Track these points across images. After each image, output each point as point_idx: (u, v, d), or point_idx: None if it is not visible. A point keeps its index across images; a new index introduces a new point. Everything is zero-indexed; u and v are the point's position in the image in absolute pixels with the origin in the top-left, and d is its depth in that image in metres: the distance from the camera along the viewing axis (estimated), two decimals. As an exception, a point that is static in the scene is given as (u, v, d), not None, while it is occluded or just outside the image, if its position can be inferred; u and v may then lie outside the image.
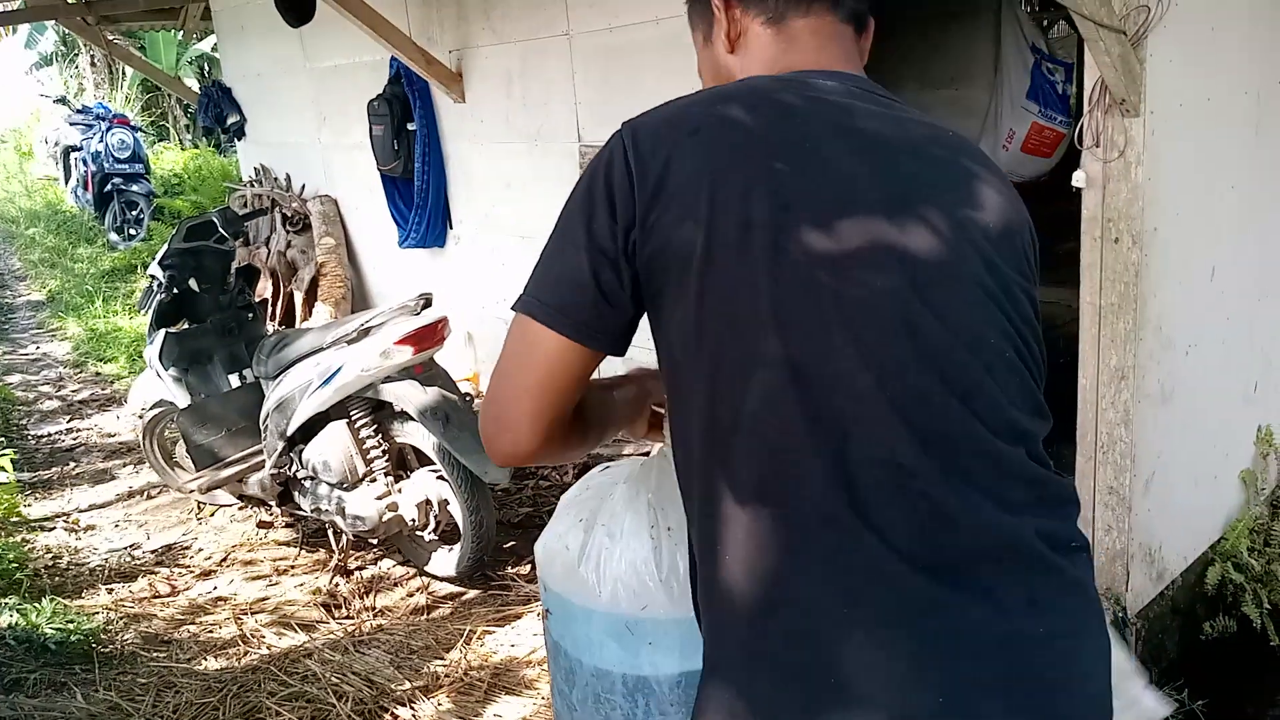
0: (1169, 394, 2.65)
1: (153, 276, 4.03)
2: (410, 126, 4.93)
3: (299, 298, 5.96)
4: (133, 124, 10.93)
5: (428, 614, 3.30)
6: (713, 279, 0.97)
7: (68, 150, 11.18)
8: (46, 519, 4.20)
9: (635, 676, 1.22)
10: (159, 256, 3.97)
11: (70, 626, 3.16)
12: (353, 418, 3.41)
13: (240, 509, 4.12)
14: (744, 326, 0.96)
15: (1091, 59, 2.35)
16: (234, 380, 3.94)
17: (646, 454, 1.39)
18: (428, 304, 3.40)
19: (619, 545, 1.22)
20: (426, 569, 3.52)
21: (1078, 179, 2.51)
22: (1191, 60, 2.49)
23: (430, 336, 3.25)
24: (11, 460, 4.14)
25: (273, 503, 3.76)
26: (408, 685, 2.78)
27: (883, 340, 0.96)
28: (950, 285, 0.99)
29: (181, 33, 12.10)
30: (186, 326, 4.03)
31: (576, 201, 1.05)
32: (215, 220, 3.91)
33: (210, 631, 3.20)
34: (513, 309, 1.07)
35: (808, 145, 1.01)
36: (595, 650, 1.24)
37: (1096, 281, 2.53)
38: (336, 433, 3.41)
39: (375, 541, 3.59)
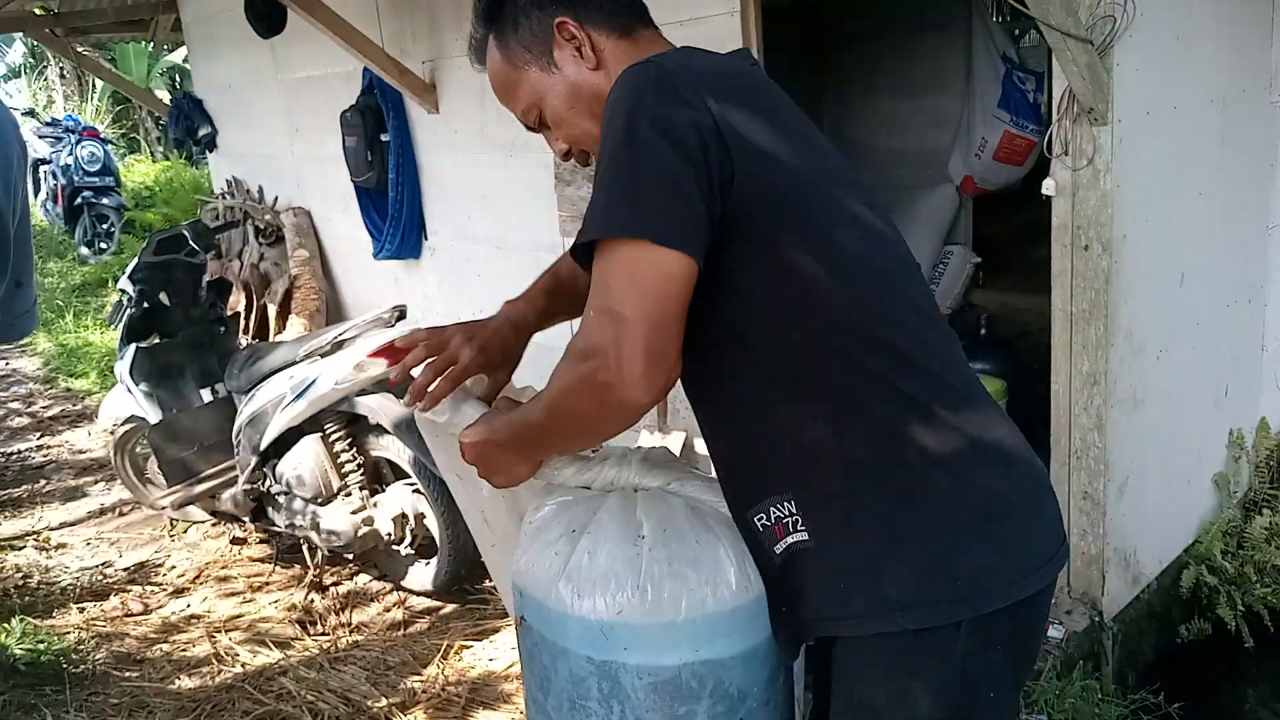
0: (1141, 399, 2.67)
1: (123, 291, 3.98)
2: (384, 137, 4.91)
3: (272, 311, 5.91)
4: (103, 136, 10.83)
5: (404, 629, 3.27)
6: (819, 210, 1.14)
7: (37, 163, 11.06)
8: (16, 538, 4.14)
9: (611, 683, 1.22)
10: (129, 270, 3.92)
11: (41, 647, 3.11)
12: (327, 432, 3.38)
13: (213, 525, 4.07)
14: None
15: (1059, 68, 2.37)
16: (206, 395, 3.89)
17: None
18: (402, 316, 3.38)
19: (602, 551, 1.23)
20: (403, 583, 3.50)
21: (1047, 187, 2.53)
22: (1158, 69, 2.51)
23: (405, 349, 3.23)
24: (-21, 478, 4.08)
25: (246, 518, 3.72)
26: (384, 702, 2.75)
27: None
28: None
29: (151, 44, 12.02)
30: (157, 341, 3.98)
31: (647, 127, 1.05)
32: (186, 233, 3.87)
33: (184, 650, 3.16)
34: (606, 237, 1.04)
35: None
36: (571, 656, 1.25)
37: (1067, 288, 2.55)
38: (310, 447, 3.38)
39: (351, 556, 3.56)
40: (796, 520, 1.17)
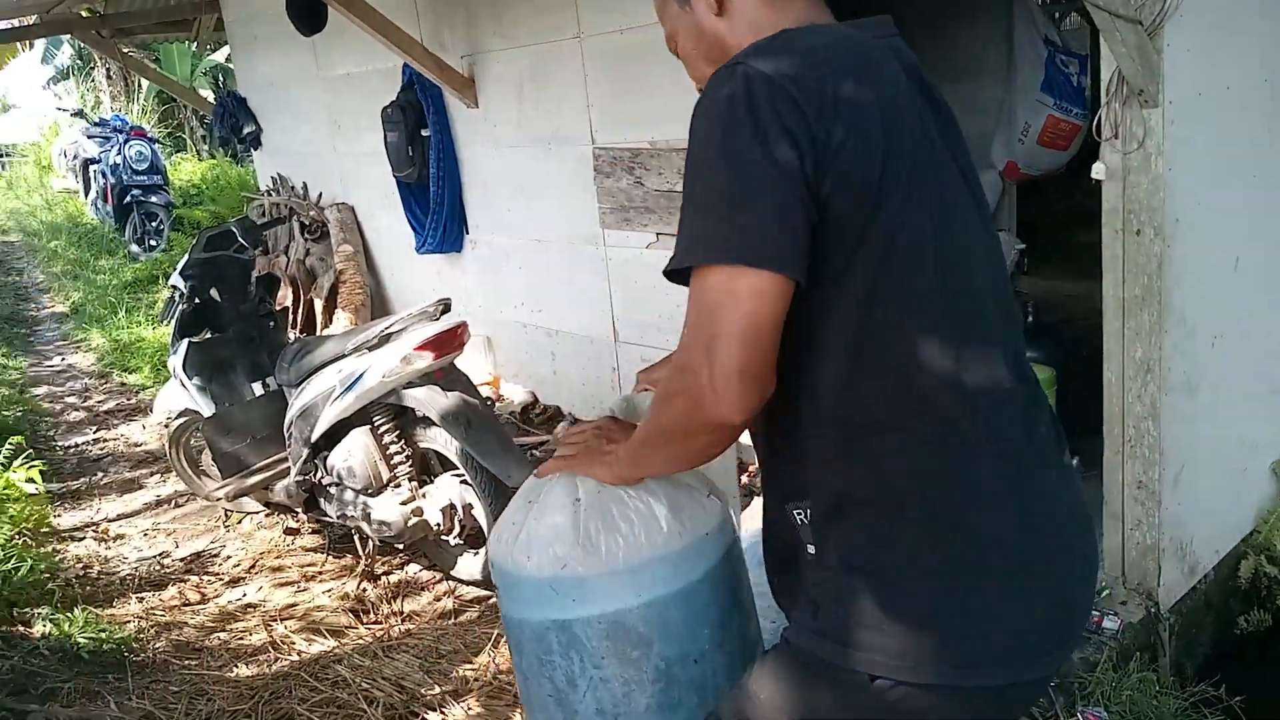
0: (1195, 386, 2.63)
1: (174, 287, 4.06)
2: (424, 133, 4.95)
3: (319, 305, 5.99)
4: (150, 135, 11.01)
5: (455, 618, 3.31)
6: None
7: (86, 163, 11.27)
8: (76, 529, 4.24)
9: (567, 634, 1.32)
10: (180, 267, 4.00)
11: (103, 635, 3.19)
12: (375, 424, 3.42)
13: (267, 516, 4.15)
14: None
15: (1108, 50, 2.34)
16: (257, 388, 3.96)
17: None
18: (446, 309, 3.41)
19: (546, 516, 1.34)
20: (452, 573, 3.54)
21: (1097, 171, 2.50)
22: (1209, 49, 2.47)
23: (450, 341, 3.27)
24: (40, 471, 4.18)
25: (299, 509, 3.79)
26: (437, 690, 2.79)
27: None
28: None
29: (195, 44, 12.20)
30: (209, 336, 4.06)
31: (741, 138, 1.02)
32: (234, 230, 3.94)
33: (241, 639, 3.22)
34: (704, 264, 1.02)
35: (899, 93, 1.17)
36: (530, 614, 1.36)
37: (1119, 274, 2.51)
38: (360, 439, 3.43)
39: (401, 546, 3.61)
40: (807, 529, 1.18)
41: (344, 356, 3.44)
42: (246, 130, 6.90)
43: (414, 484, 3.43)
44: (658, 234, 3.78)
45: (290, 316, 6.04)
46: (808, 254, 1.03)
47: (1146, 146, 2.38)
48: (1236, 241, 2.71)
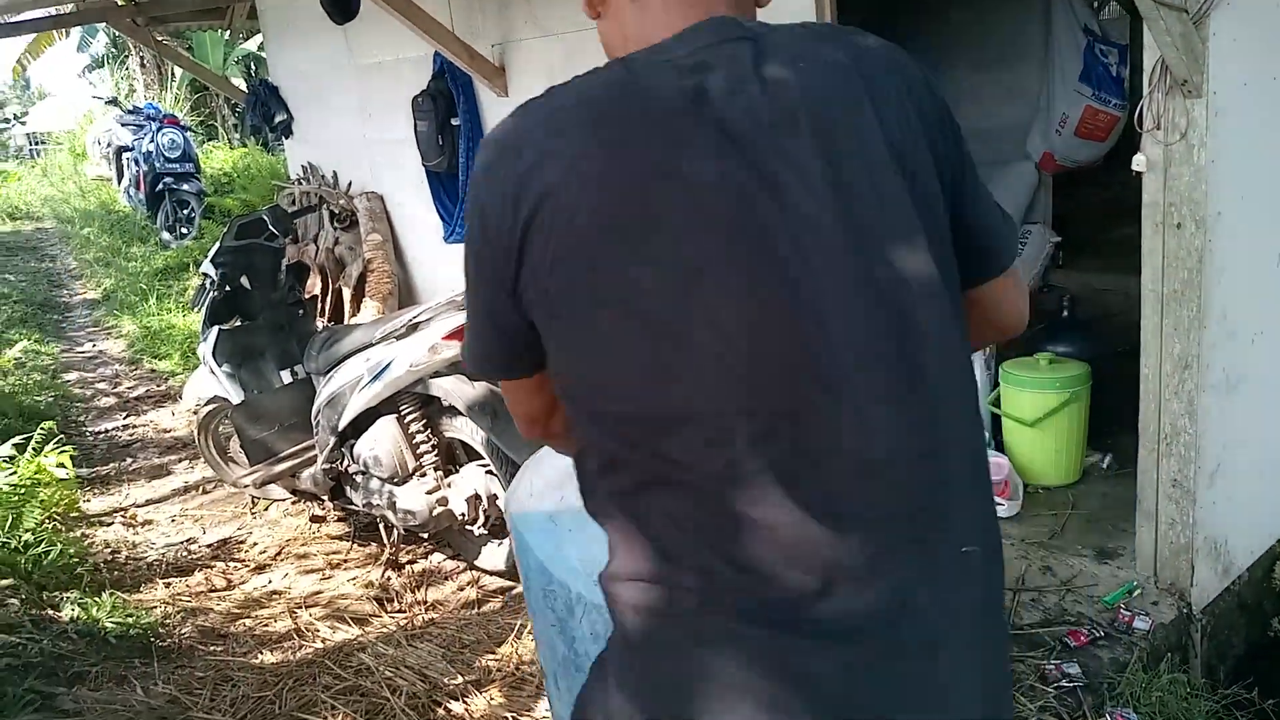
0: (1234, 383, 2.57)
1: (205, 274, 4.09)
2: (454, 122, 4.94)
3: (347, 294, 6.01)
4: (182, 124, 11.09)
5: (479, 608, 3.31)
6: None
7: (120, 150, 11.38)
8: (105, 514, 4.28)
9: (563, 564, 1.43)
10: (211, 255, 4.02)
11: (130, 620, 3.22)
12: (402, 413, 3.43)
13: (293, 503, 4.17)
14: None
15: (1151, 39, 2.28)
16: (285, 376, 3.98)
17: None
18: (475, 299, 3.40)
19: (545, 460, 1.52)
20: (477, 563, 3.54)
21: (1138, 163, 2.44)
22: (1256, 38, 2.41)
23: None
24: (71, 456, 4.22)
25: (325, 497, 3.80)
26: (460, 679, 2.79)
27: None
28: None
29: (228, 32, 12.27)
30: (239, 324, 4.07)
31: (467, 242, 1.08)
32: (265, 218, 3.95)
33: (266, 625, 3.24)
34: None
35: None
36: (534, 548, 1.47)
37: (1158, 268, 2.46)
38: (386, 428, 3.44)
39: (426, 535, 3.61)
40: None
41: (372, 345, 3.44)
42: (278, 119, 6.92)
43: (439, 473, 3.43)
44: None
45: (319, 305, 6.07)
46: (524, 352, 1.03)
47: (1189, 138, 2.33)
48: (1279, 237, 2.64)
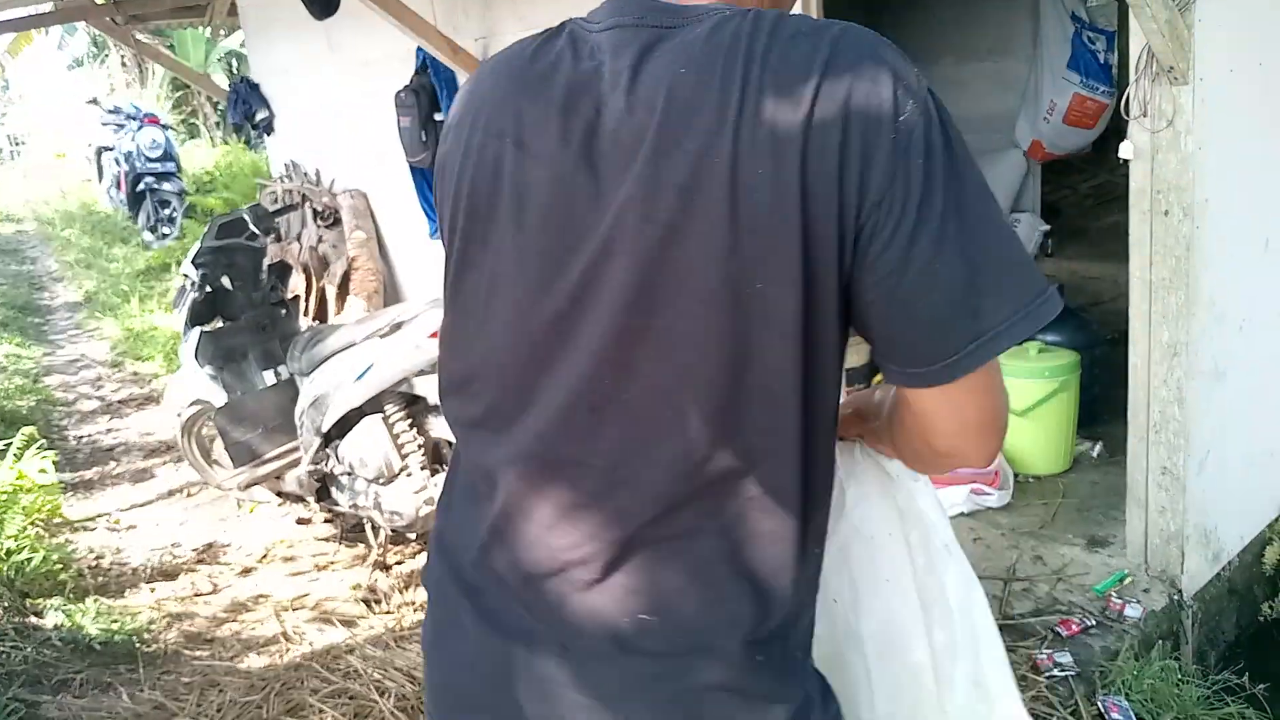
0: (1223, 371, 2.57)
1: (186, 275, 4.05)
2: (438, 117, 4.90)
3: (331, 293, 5.96)
4: (163, 123, 11.00)
5: (467, 607, 3.28)
6: None
7: (100, 150, 11.29)
8: (88, 519, 4.23)
9: None
10: (191, 255, 3.99)
11: (114, 626, 3.18)
12: (387, 413, 3.39)
13: (279, 506, 4.13)
14: None
15: (1137, 25, 2.27)
16: (269, 377, 3.94)
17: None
18: (460, 296, 3.37)
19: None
20: (465, 562, 3.51)
21: (1125, 150, 2.43)
22: (1242, 24, 2.40)
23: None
24: (53, 461, 4.17)
25: (311, 499, 3.76)
26: (450, 680, 2.76)
27: None
28: None
29: (209, 30, 12.19)
30: (221, 324, 4.04)
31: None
32: (246, 217, 3.92)
33: (252, 629, 3.20)
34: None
35: None
36: None
37: (1146, 256, 2.45)
38: (372, 428, 3.40)
39: (413, 536, 3.58)
40: None
41: (355, 345, 3.41)
42: (259, 116, 6.87)
43: (426, 473, 3.40)
44: (671, 218, 3.73)
45: (302, 304, 6.02)
46: None
47: (1176, 125, 2.32)
48: (1268, 223, 2.64)
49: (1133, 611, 2.55)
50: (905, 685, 1.14)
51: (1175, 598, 2.63)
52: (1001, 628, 2.52)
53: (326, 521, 3.96)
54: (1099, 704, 2.33)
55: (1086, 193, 5.17)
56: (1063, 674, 2.39)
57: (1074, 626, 2.53)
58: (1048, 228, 4.74)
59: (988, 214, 0.81)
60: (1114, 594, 2.62)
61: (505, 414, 0.94)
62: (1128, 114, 2.40)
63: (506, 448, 0.94)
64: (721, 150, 0.80)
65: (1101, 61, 4.14)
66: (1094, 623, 2.55)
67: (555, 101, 0.88)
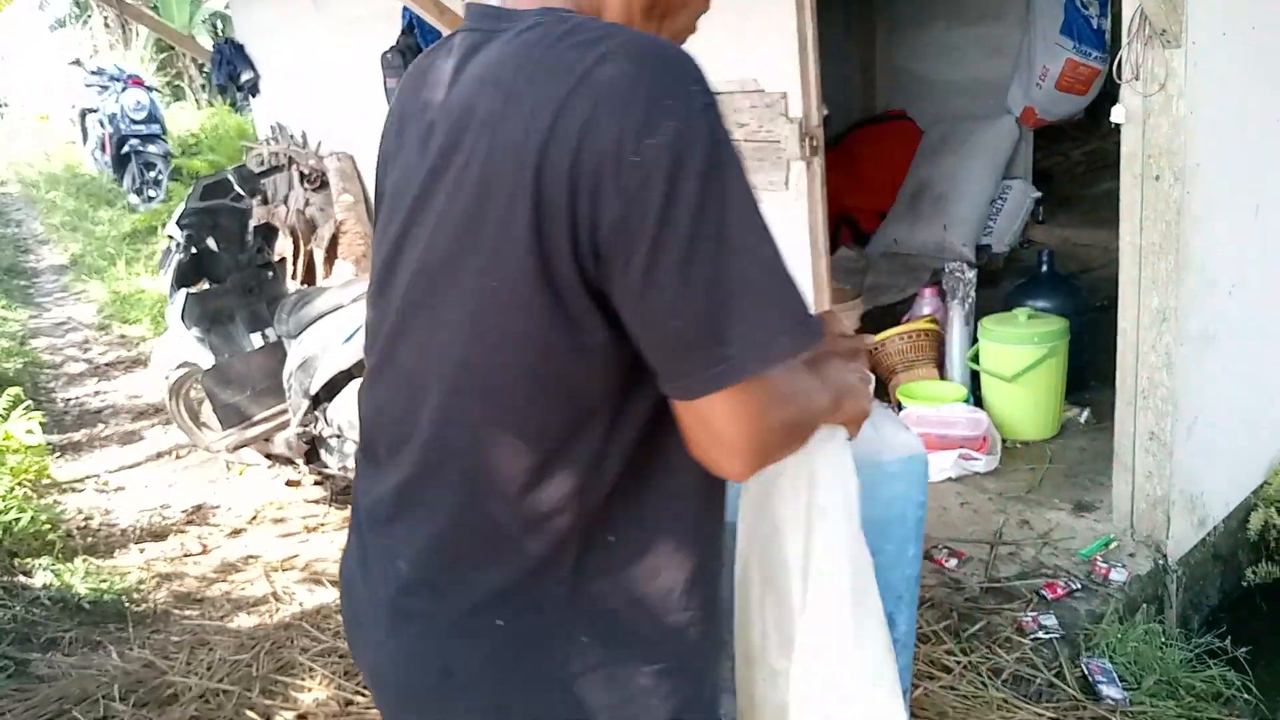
0: (1212, 336, 2.57)
1: (170, 237, 4.02)
2: (426, 78, 4.85)
3: (319, 256, 5.91)
4: (147, 84, 10.85)
5: (457, 569, 3.29)
6: None
7: (84, 112, 11.14)
8: (76, 480, 4.23)
9: None
10: (176, 216, 3.95)
11: (103, 586, 3.19)
12: (376, 375, 3.38)
13: (268, 468, 4.13)
14: None
15: (1132, -13, 2.25)
16: (256, 339, 3.92)
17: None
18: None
19: None
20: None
21: (1117, 114, 2.42)
22: (1237, -14, 2.38)
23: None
24: (40, 423, 4.15)
25: (300, 461, 3.76)
26: (439, 641, 2.77)
27: None
28: None
29: (193, -10, 12.00)
30: (207, 286, 4.01)
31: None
32: (231, 178, 3.88)
33: (242, 589, 3.21)
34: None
35: None
36: None
37: (1136, 221, 2.45)
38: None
39: (402, 498, 3.58)
40: None
41: (343, 307, 3.39)
42: (244, 78, 6.77)
43: (415, 435, 3.39)
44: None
45: (290, 267, 5.98)
46: None
47: (1168, 88, 2.30)
48: (1258, 188, 2.63)
49: (1118, 575, 2.58)
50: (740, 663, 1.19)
51: (1160, 562, 2.66)
52: (987, 590, 2.57)
53: (316, 484, 3.96)
54: (1083, 666, 2.35)
55: (1078, 160, 5.16)
56: (1047, 636, 2.42)
57: (1059, 590, 2.55)
58: (1039, 194, 4.73)
59: (746, 241, 0.82)
60: (1099, 558, 2.64)
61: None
62: (1119, 77, 2.39)
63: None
64: (478, 152, 0.84)
65: (1094, 27, 4.10)
66: (1079, 586, 2.57)
67: (419, 103, 0.95)
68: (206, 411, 3.99)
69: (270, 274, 4.11)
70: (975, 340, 3.43)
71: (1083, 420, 3.41)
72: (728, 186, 0.81)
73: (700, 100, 0.81)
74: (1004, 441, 3.28)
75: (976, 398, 3.45)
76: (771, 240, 0.84)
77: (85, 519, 3.83)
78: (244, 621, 2.97)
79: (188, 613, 3.06)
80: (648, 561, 0.95)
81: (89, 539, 3.64)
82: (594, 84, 0.80)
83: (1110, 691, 2.28)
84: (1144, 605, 2.57)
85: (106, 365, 5.87)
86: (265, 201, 6.17)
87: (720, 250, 0.80)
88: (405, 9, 4.72)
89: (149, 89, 10.59)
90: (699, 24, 1.08)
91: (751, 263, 0.82)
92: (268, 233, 4.28)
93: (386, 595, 1.01)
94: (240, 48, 6.80)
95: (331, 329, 3.37)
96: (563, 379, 0.88)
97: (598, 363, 0.88)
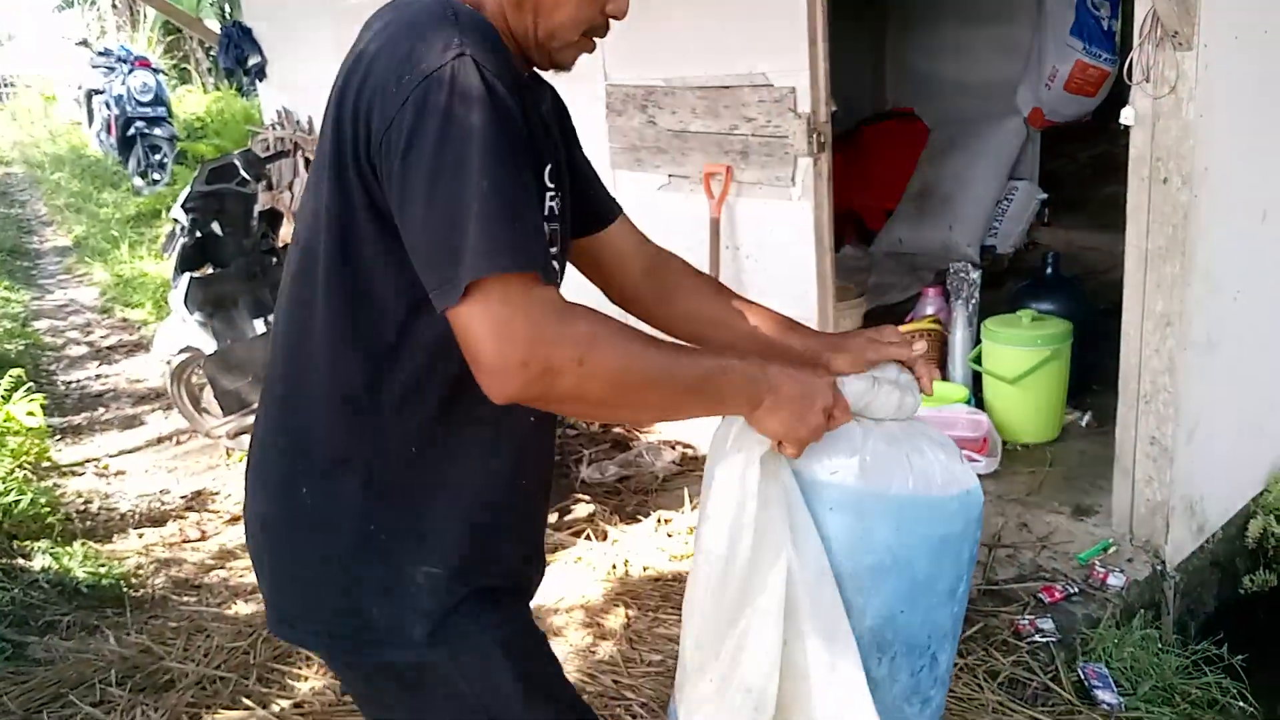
0: (1215, 342, 2.57)
1: (175, 220, 4.01)
2: (433, 67, 4.84)
3: (323, 242, 5.92)
4: (154, 66, 10.84)
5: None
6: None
7: (90, 93, 11.13)
8: (77, 464, 4.22)
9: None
10: (181, 200, 3.94)
11: (102, 570, 3.18)
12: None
13: (268, 454, 4.12)
14: None
15: (1144, -11, 2.24)
16: (259, 325, 3.92)
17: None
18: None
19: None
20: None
21: (1126, 116, 2.41)
22: (1250, -10, 2.37)
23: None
24: (41, 406, 4.15)
25: (300, 448, 3.76)
26: (435, 631, 2.77)
27: None
28: None
29: (202, -27, 11.97)
30: (211, 271, 4.00)
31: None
32: (237, 162, 3.87)
33: (240, 576, 3.21)
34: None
35: None
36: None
37: (1143, 224, 2.44)
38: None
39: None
40: None
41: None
42: (251, 62, 6.76)
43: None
44: (670, 175, 3.69)
45: (294, 253, 5.98)
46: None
47: (1178, 91, 2.29)
48: (1266, 193, 2.62)
49: (1115, 580, 2.57)
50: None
51: (1158, 568, 2.65)
52: (985, 593, 2.56)
53: (315, 472, 3.95)
54: (1079, 670, 2.35)
55: (1086, 162, 5.14)
56: (1044, 640, 2.41)
57: (1057, 593, 2.55)
58: (1045, 196, 4.72)
59: (484, 175, 0.95)
60: (1097, 562, 2.64)
61: None
62: (1130, 79, 2.38)
63: None
64: (336, 82, 1.11)
65: (1105, 28, 4.09)
66: (1077, 590, 2.57)
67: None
68: (208, 397, 3.99)
69: (274, 260, 4.10)
70: (978, 341, 3.42)
71: (1084, 424, 3.40)
72: (472, 126, 0.96)
73: (455, 52, 0.98)
74: (1005, 443, 3.28)
75: (978, 399, 3.44)
76: (517, 183, 0.98)
77: (85, 503, 3.83)
78: (242, 609, 2.97)
79: (185, 599, 3.06)
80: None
81: (88, 523, 3.64)
82: (388, 33, 1.06)
83: (1106, 697, 2.28)
84: (1141, 611, 2.56)
85: (108, 348, 5.87)
86: (270, 187, 6.16)
87: (458, 177, 0.95)
88: (413, -3, 4.70)
89: (156, 71, 10.58)
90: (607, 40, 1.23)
91: (489, 194, 0.95)
92: (272, 218, 4.27)
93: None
94: (248, 31, 6.79)
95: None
96: (326, 259, 1.11)
97: (369, 256, 1.09)
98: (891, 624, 1.21)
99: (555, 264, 1.08)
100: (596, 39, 1.20)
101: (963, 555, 1.27)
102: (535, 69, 1.21)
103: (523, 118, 1.03)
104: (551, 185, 1.13)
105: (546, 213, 1.11)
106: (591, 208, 1.38)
